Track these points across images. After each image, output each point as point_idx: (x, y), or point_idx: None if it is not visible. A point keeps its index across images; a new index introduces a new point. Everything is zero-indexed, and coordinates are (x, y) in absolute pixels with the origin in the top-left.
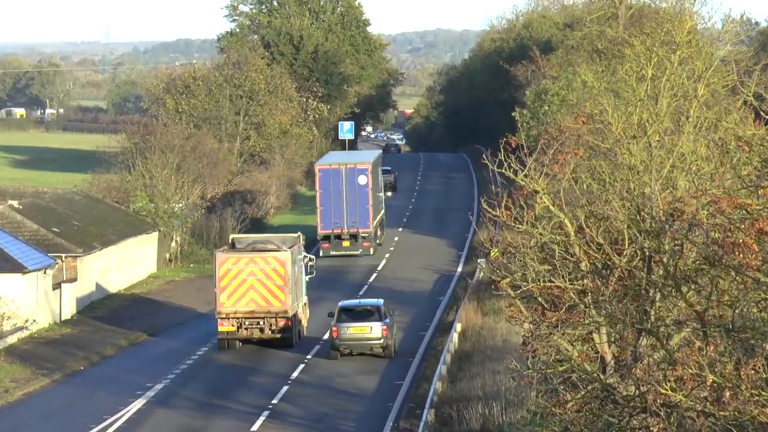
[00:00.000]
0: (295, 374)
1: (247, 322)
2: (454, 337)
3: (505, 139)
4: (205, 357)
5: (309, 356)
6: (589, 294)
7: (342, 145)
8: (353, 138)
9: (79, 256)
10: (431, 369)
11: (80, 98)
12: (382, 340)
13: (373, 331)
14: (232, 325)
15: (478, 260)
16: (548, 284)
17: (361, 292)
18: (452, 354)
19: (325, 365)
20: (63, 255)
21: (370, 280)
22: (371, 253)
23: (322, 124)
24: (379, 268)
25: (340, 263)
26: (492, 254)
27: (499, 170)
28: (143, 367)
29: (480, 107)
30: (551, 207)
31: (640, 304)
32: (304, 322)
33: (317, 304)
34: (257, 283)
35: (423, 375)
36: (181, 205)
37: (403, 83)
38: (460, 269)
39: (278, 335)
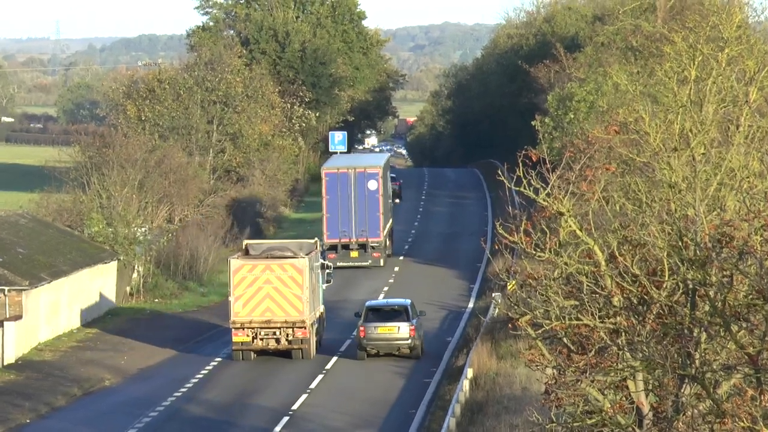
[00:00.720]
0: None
1: (262, 332)
2: (465, 384)
3: (524, 153)
4: (172, 408)
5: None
6: (623, 334)
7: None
8: (346, 151)
9: (24, 290)
10: (438, 423)
11: (26, 104)
12: (409, 341)
13: (400, 331)
14: (247, 336)
15: (493, 294)
16: (575, 322)
17: (354, 334)
18: (462, 405)
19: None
20: (5, 288)
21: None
22: (381, 264)
23: (309, 135)
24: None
25: (329, 296)
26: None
27: (518, 188)
28: (98, 421)
29: (494, 115)
30: (578, 232)
31: (683, 346)
32: (322, 332)
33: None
34: (274, 291)
35: (429, 430)
36: (144, 229)
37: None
38: (471, 305)
39: (295, 346)
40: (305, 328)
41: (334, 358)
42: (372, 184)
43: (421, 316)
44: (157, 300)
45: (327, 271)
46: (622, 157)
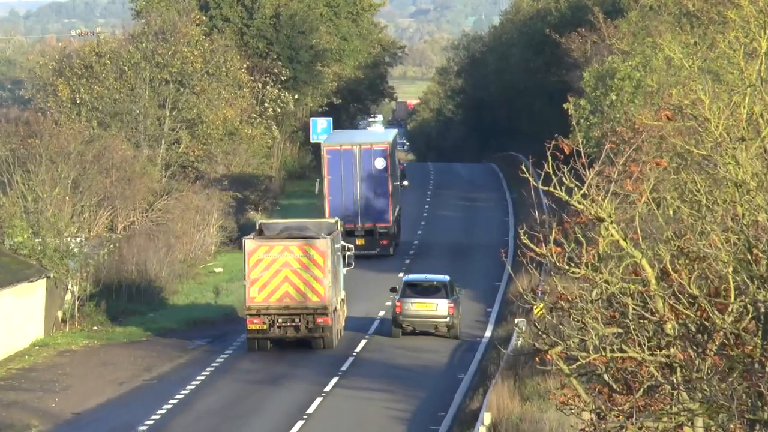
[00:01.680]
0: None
1: (280, 319)
2: None
3: (553, 143)
4: None
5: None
6: (679, 369)
7: (315, 150)
8: None
9: None
10: None
11: None
12: (448, 319)
13: (439, 308)
14: (263, 323)
15: (516, 320)
16: (618, 355)
17: (343, 368)
18: None
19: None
20: None
21: (357, 350)
22: (390, 252)
23: (285, 122)
24: (371, 330)
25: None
26: (536, 311)
27: (546, 188)
28: None
29: (516, 97)
30: (622, 242)
31: (753, 384)
32: (342, 321)
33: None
34: (293, 274)
35: None
36: (79, 239)
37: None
38: (488, 333)
39: (316, 334)
40: (327, 314)
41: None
42: (379, 162)
43: (460, 293)
44: (96, 328)
45: (348, 253)
46: (676, 149)
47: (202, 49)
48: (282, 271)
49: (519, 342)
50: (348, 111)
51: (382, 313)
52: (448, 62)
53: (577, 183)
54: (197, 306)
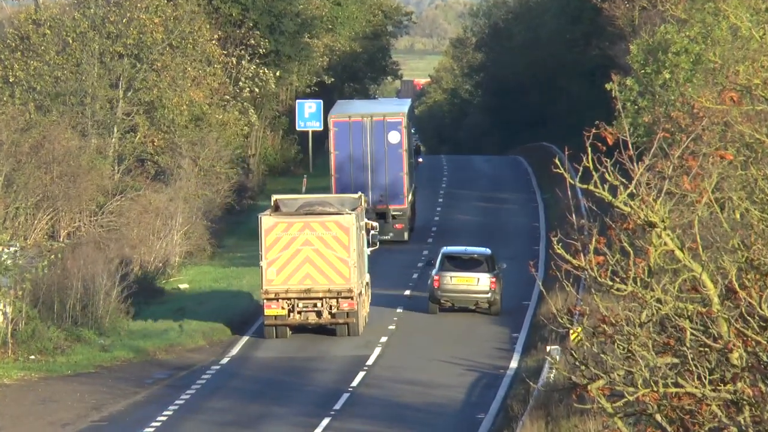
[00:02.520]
0: None
1: (300, 304)
2: None
3: (594, 132)
4: None
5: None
6: (747, 408)
7: (301, 140)
8: (321, 129)
9: None
10: None
11: None
12: (489, 294)
13: (480, 283)
14: (282, 308)
15: (548, 348)
16: (673, 390)
17: (336, 406)
18: None
19: None
20: None
21: (353, 385)
22: (405, 238)
23: (266, 105)
24: (369, 362)
25: (300, 352)
26: (572, 337)
27: (585, 186)
28: None
29: (549, 75)
30: (678, 252)
31: None
32: (367, 307)
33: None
34: (314, 254)
35: None
36: (14, 249)
37: (412, 31)
38: (514, 364)
39: (340, 320)
40: (352, 298)
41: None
42: (393, 136)
43: (502, 268)
44: (33, 357)
45: (372, 232)
46: (743, 139)
47: (164, 17)
48: (302, 251)
49: (552, 375)
50: (342, 92)
51: (383, 341)
52: (464, 32)
53: (623, 180)
54: (157, 331)
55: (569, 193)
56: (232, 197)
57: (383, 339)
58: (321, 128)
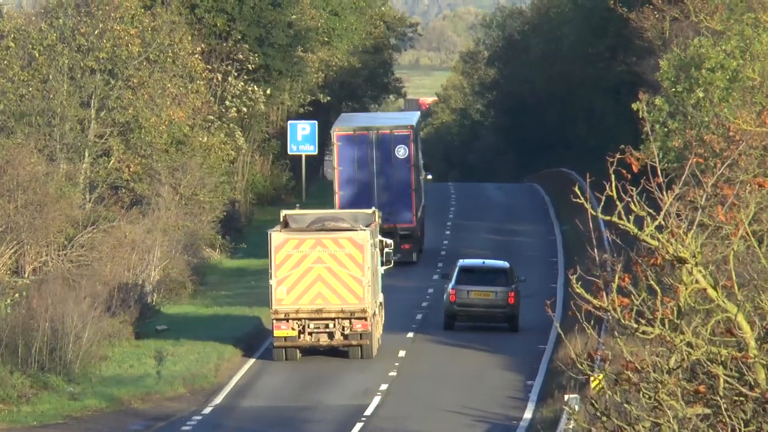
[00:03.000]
0: None
1: (312, 325)
2: None
3: (619, 157)
4: None
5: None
6: None
7: (294, 166)
8: (315, 152)
9: None
10: None
11: None
12: (507, 309)
13: (498, 296)
14: (293, 329)
15: (566, 397)
16: None
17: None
18: None
19: None
20: None
21: None
22: (414, 259)
23: (254, 126)
24: (368, 412)
25: (292, 401)
26: (593, 385)
27: (608, 218)
28: None
29: (570, 93)
30: (710, 291)
31: None
32: (380, 329)
33: None
34: (327, 272)
35: None
36: None
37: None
38: (528, 415)
39: (353, 342)
40: (366, 318)
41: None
42: (401, 151)
43: (521, 281)
44: None
45: (386, 249)
46: None
47: (141, 27)
48: (314, 269)
49: (570, 427)
50: (339, 112)
51: (383, 388)
52: (476, 46)
53: (651, 211)
54: (133, 377)
55: (591, 225)
56: (217, 229)
57: (383, 386)
58: (315, 152)
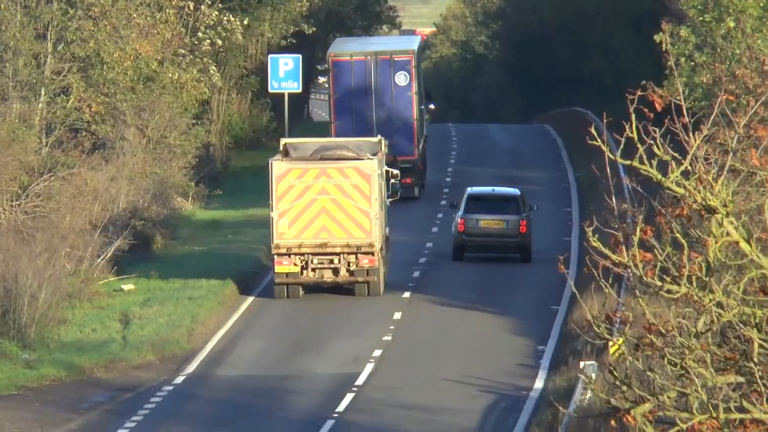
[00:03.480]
0: None
1: (315, 260)
2: None
3: (639, 94)
4: None
5: None
6: None
7: (275, 105)
8: (299, 91)
9: None
10: None
11: None
12: (519, 238)
13: (509, 225)
14: (295, 264)
15: (582, 364)
16: (737, 416)
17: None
18: None
19: None
20: None
21: (339, 410)
22: (415, 194)
23: (230, 61)
24: (359, 381)
25: (273, 370)
26: (612, 351)
27: (628, 162)
28: None
29: (584, 24)
30: (743, 244)
31: None
32: (387, 265)
33: None
34: (332, 204)
35: None
36: None
37: None
38: (539, 384)
39: (360, 278)
40: (374, 254)
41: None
42: (401, 77)
43: (533, 210)
44: None
45: (392, 180)
46: None
47: None
48: (318, 201)
49: (586, 397)
50: (326, 44)
51: (377, 355)
52: None
53: (676, 155)
54: (95, 343)
55: (608, 170)
56: (190, 176)
57: (376, 353)
58: (300, 90)
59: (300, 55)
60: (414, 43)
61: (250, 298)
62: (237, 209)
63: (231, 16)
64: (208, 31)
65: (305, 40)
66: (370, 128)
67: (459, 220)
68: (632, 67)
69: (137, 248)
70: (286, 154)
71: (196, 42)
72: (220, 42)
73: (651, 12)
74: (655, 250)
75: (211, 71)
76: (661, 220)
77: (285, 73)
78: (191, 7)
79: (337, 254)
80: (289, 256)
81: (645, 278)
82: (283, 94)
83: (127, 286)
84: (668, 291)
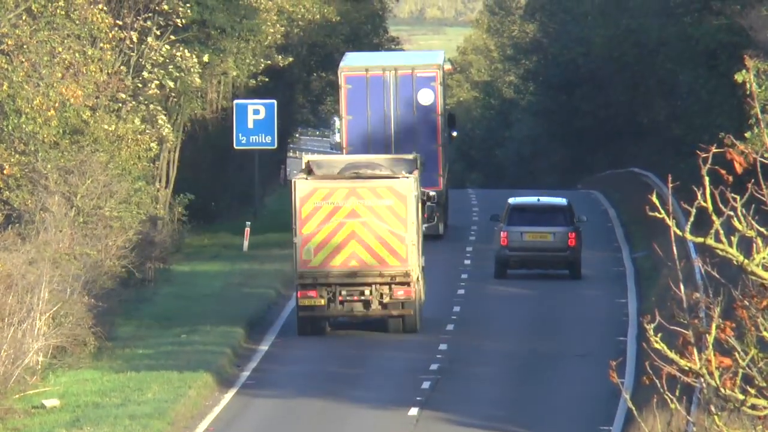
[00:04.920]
0: None
1: (344, 292)
2: None
3: (714, 150)
4: None
5: None
6: None
7: (242, 168)
8: (274, 147)
9: None
10: None
11: None
12: (568, 252)
13: (556, 238)
14: (321, 297)
15: None
16: None
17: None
18: None
19: None
20: None
21: None
22: (440, 231)
23: (185, 107)
24: None
25: None
26: None
27: (700, 240)
28: None
29: (643, 59)
30: None
31: None
32: (423, 296)
33: None
34: (363, 228)
35: None
36: None
37: None
38: None
39: (394, 312)
40: (410, 284)
41: None
42: (425, 96)
43: (582, 221)
44: None
45: (428, 203)
46: None
47: None
48: (348, 225)
49: None
50: (307, 85)
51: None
52: None
53: (763, 230)
54: None
55: (675, 250)
56: (131, 258)
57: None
58: (274, 146)
59: (275, 101)
60: (439, 58)
61: (209, 417)
62: (193, 301)
63: (186, 51)
64: (155, 70)
65: (281, 80)
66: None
67: (502, 233)
68: (705, 114)
69: (63, 351)
70: (309, 172)
71: (140, 84)
72: (171, 84)
73: (730, 44)
74: (736, 354)
75: (160, 121)
76: (743, 314)
77: (255, 124)
78: (134, 40)
79: (369, 285)
80: (315, 287)
81: (723, 390)
82: (252, 152)
83: (50, 402)
84: (753, 406)
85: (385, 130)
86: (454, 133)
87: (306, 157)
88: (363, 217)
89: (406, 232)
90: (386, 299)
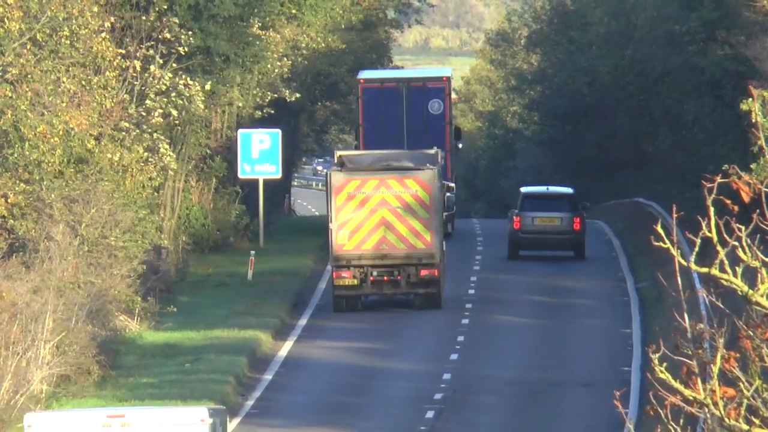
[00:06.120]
0: None
1: (375, 272)
2: None
3: (720, 181)
4: None
5: None
6: None
7: (247, 198)
8: (279, 177)
9: None
10: None
11: None
12: (572, 235)
13: (563, 222)
14: (354, 277)
15: None
16: None
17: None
18: None
19: None
20: None
21: None
22: (448, 230)
23: (189, 136)
24: None
25: None
26: None
27: (704, 270)
28: None
29: (648, 89)
30: None
31: None
32: (445, 278)
33: None
34: (391, 215)
35: None
36: None
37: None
38: None
39: (420, 290)
40: (434, 265)
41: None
42: (435, 106)
43: (586, 208)
44: None
45: (448, 194)
46: None
47: None
48: (378, 212)
49: None
50: (312, 114)
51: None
52: (508, 23)
53: (767, 260)
54: None
55: (679, 280)
56: (135, 287)
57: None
58: (279, 176)
59: (279, 130)
60: (448, 71)
61: None
62: (197, 330)
63: (189, 79)
64: (159, 98)
65: (286, 110)
66: None
67: (515, 217)
68: (711, 144)
69: (67, 380)
70: (342, 165)
71: (143, 113)
72: (174, 112)
73: (735, 73)
74: (741, 384)
75: (163, 150)
76: (747, 344)
77: (260, 154)
78: (137, 68)
79: (398, 266)
80: (349, 268)
81: (727, 420)
82: (257, 181)
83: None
84: None
85: (398, 136)
86: (460, 145)
87: (338, 153)
88: (391, 205)
89: (430, 218)
90: (413, 279)
